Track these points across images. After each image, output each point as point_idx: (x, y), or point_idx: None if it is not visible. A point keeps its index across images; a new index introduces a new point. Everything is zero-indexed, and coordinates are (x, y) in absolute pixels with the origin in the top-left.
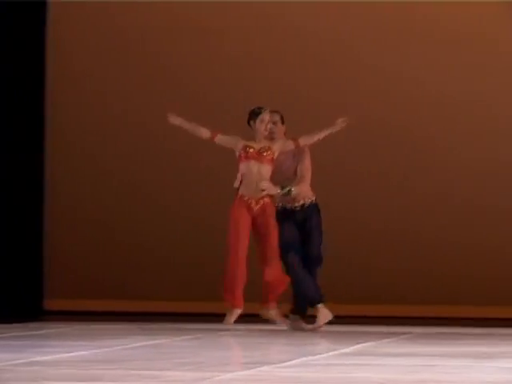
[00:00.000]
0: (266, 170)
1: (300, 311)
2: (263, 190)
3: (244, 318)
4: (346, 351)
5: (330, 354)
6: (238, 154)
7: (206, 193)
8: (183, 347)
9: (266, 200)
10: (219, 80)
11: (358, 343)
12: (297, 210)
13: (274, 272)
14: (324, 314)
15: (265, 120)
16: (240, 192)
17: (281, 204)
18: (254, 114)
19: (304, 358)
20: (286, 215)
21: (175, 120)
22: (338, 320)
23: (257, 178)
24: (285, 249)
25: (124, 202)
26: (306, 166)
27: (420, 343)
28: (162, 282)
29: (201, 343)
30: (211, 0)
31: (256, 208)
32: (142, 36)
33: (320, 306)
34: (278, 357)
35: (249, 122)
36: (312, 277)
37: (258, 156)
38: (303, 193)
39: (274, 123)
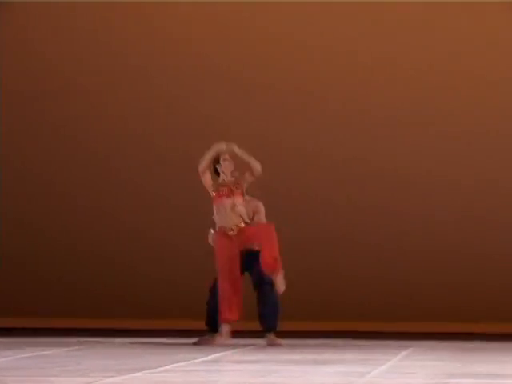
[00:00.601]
0: (238, 201)
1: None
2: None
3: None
4: (205, 359)
5: (193, 361)
6: (212, 197)
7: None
8: (69, 357)
9: (240, 225)
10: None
11: (216, 352)
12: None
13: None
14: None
15: (227, 159)
16: (219, 226)
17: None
18: (215, 160)
19: (171, 365)
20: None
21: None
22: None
23: (231, 210)
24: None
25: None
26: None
27: (266, 352)
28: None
29: (83, 353)
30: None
31: (234, 234)
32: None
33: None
34: (149, 364)
35: (215, 170)
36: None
37: (229, 194)
38: None
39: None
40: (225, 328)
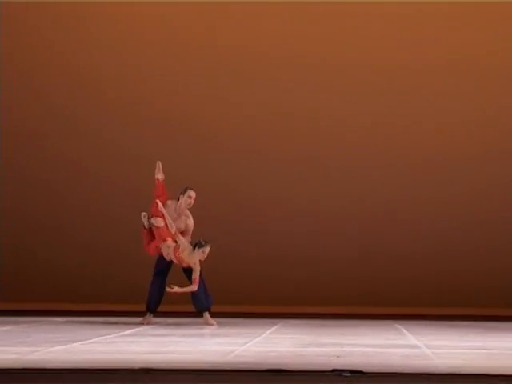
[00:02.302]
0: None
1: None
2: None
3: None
4: (124, 333)
5: (115, 335)
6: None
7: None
8: (21, 332)
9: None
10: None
11: (132, 328)
12: None
13: None
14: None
15: (205, 252)
16: None
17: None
18: (200, 244)
19: (98, 338)
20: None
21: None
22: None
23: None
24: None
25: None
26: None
27: (171, 328)
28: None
29: (34, 329)
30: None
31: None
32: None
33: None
34: (81, 337)
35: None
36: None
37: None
38: None
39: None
40: None
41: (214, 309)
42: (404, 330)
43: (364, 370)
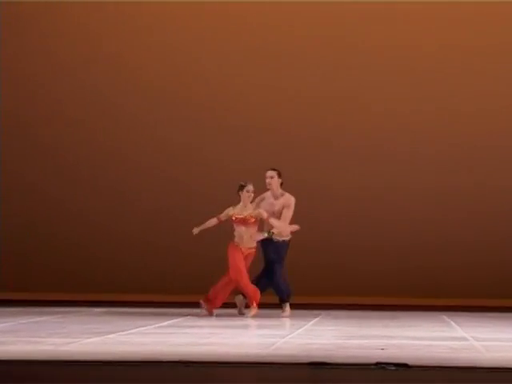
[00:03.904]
0: (251, 231)
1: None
2: (254, 240)
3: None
4: (161, 324)
5: (153, 326)
6: (232, 218)
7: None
8: (56, 323)
9: (251, 251)
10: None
11: (170, 319)
12: (279, 243)
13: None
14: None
15: (250, 190)
16: (235, 240)
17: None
18: (241, 186)
19: (135, 329)
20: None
21: (197, 231)
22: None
23: (245, 237)
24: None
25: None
26: (289, 211)
27: (208, 319)
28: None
29: (69, 319)
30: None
31: (245, 253)
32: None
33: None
34: (120, 328)
35: (238, 192)
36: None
37: (244, 222)
38: (283, 232)
39: (272, 177)
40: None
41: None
42: (452, 322)
43: (409, 363)
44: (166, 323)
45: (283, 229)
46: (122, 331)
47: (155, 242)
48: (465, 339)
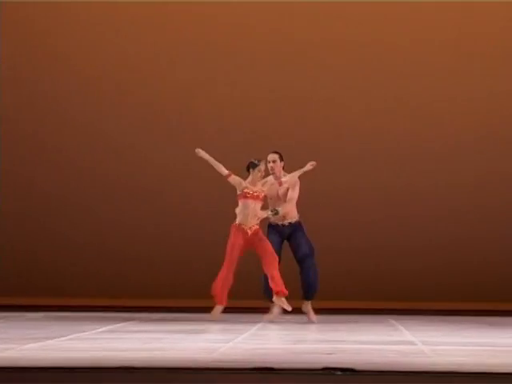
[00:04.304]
0: (259, 206)
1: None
2: (258, 218)
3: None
4: (104, 329)
5: (94, 331)
6: (239, 193)
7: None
8: None
9: (256, 227)
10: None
11: (113, 324)
12: (285, 227)
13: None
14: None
15: (261, 170)
16: (237, 221)
17: (274, 222)
18: (253, 165)
19: (76, 334)
20: (276, 230)
21: (200, 153)
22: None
23: (250, 214)
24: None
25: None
26: (295, 193)
27: (154, 324)
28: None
29: (8, 324)
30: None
31: (250, 233)
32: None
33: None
34: (60, 333)
35: (248, 169)
36: (310, 269)
37: (254, 197)
38: (290, 213)
39: (274, 161)
40: (218, 308)
41: (198, 303)
42: (399, 326)
43: (356, 368)
44: (108, 328)
45: (288, 206)
46: (63, 336)
47: (90, 243)
48: (413, 343)
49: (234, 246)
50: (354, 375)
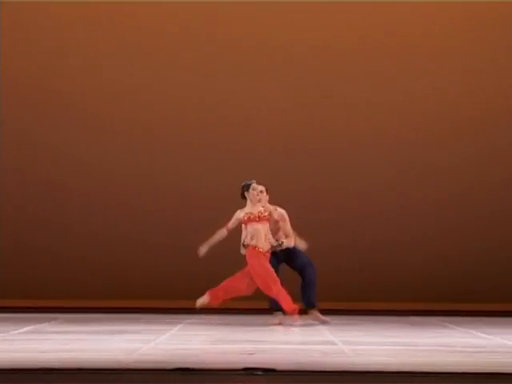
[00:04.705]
0: (267, 227)
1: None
2: (282, 243)
3: None
4: (21, 331)
5: (14, 332)
6: (242, 220)
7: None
8: None
9: (268, 254)
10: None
11: (32, 325)
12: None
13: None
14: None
15: (256, 188)
16: (254, 244)
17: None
18: (246, 186)
19: None
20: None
21: (203, 250)
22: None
23: (262, 234)
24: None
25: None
26: (288, 225)
27: (76, 324)
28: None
29: None
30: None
31: (266, 255)
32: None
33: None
34: None
35: (243, 195)
36: (310, 281)
37: (259, 219)
38: (291, 243)
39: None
40: (206, 298)
41: (128, 304)
42: (320, 326)
43: (277, 368)
44: (29, 328)
45: (292, 241)
46: None
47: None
48: (333, 343)
49: (265, 266)
50: (275, 375)
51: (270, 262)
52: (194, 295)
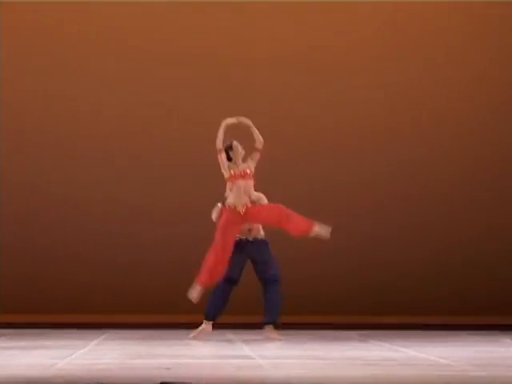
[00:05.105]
0: (251, 184)
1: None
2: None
3: None
4: None
5: None
6: (227, 177)
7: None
8: None
9: (248, 205)
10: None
11: None
12: (250, 243)
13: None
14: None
15: (238, 146)
16: (229, 203)
17: (238, 236)
18: (229, 146)
19: None
20: (240, 246)
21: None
22: None
23: (244, 191)
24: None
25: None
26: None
27: None
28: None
29: None
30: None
31: (243, 211)
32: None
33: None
34: None
35: (228, 156)
36: (274, 294)
37: (244, 175)
38: (256, 227)
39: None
40: (197, 289)
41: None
42: (237, 340)
43: (194, 382)
44: None
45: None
46: None
47: None
48: (250, 357)
49: (226, 229)
50: None
51: (238, 254)
52: (115, 309)
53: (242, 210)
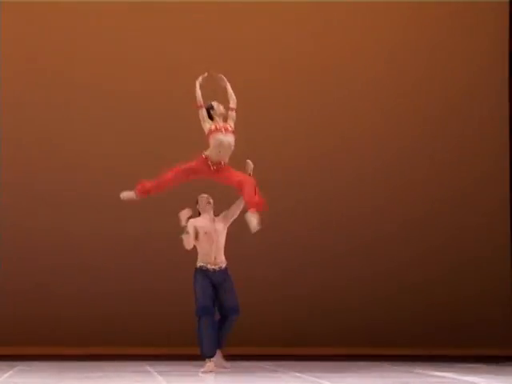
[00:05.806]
0: (232, 139)
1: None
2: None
3: None
4: None
5: None
6: (207, 131)
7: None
8: None
9: (224, 162)
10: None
11: None
12: (216, 272)
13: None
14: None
15: (219, 105)
16: (206, 154)
17: (204, 266)
18: (210, 107)
19: None
20: (205, 275)
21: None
22: None
23: (227, 147)
24: (202, 310)
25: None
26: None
27: None
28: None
29: None
30: None
31: (214, 168)
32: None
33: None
34: None
35: (210, 115)
36: (227, 328)
37: (225, 130)
38: (220, 256)
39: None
40: (132, 195)
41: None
42: (155, 373)
43: None
44: None
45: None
46: None
47: None
48: None
49: (192, 169)
50: None
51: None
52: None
53: (213, 166)
